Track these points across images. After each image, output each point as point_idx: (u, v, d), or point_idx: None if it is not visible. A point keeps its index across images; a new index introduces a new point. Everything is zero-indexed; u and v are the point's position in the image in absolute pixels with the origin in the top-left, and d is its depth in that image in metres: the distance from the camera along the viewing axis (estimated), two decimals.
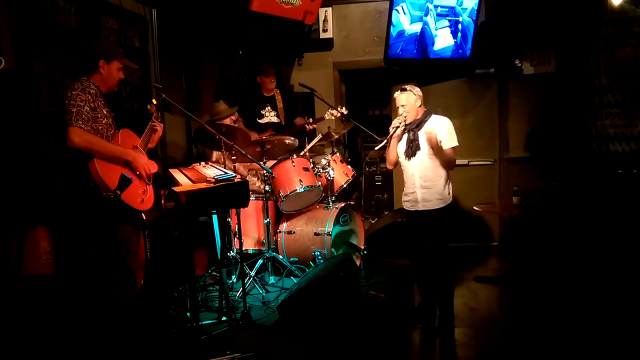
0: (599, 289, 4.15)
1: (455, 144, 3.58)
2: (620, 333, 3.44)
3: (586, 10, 5.34)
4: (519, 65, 5.50)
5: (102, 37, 3.91)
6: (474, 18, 5.28)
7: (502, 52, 5.56)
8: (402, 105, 3.59)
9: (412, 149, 3.58)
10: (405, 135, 3.64)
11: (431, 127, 3.56)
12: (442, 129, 3.55)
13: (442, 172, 3.60)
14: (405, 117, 3.57)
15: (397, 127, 3.57)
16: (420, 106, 3.63)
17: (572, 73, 5.44)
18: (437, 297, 3.72)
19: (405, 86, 3.65)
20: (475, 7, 5.24)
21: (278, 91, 5.11)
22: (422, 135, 3.56)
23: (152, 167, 3.16)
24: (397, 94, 3.64)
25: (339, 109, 4.89)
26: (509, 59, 5.53)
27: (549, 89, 5.54)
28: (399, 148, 3.67)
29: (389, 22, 5.03)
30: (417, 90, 3.63)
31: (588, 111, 5.44)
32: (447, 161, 3.57)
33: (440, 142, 3.52)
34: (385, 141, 3.77)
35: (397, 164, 3.75)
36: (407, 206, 3.72)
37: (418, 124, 3.60)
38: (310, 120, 4.95)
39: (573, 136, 5.45)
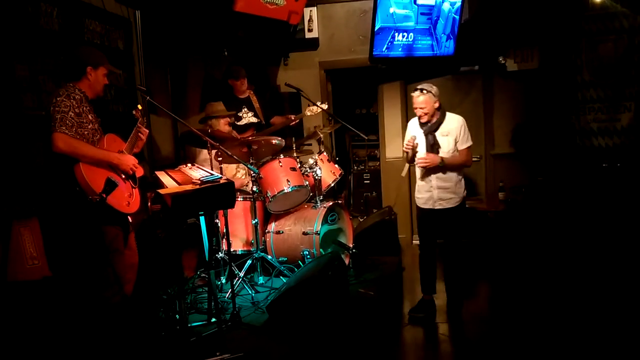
0: (585, 282, 4.21)
1: (470, 143, 3.69)
2: (607, 325, 3.49)
3: (568, 7, 5.41)
4: (503, 62, 5.57)
5: (87, 43, 3.91)
6: (458, 16, 5.33)
7: (486, 50, 5.62)
8: (422, 108, 3.56)
9: (434, 152, 3.61)
10: (424, 138, 3.66)
11: (447, 127, 3.61)
12: (457, 130, 3.62)
13: (457, 172, 3.70)
14: (414, 141, 3.62)
15: (410, 151, 3.62)
16: (438, 107, 3.62)
17: (555, 69, 5.52)
18: (449, 286, 3.83)
19: (424, 87, 3.59)
20: (459, 6, 5.28)
21: (252, 92, 5.11)
22: (439, 137, 3.61)
23: (138, 171, 3.18)
24: (415, 95, 3.59)
25: (318, 104, 4.90)
26: (492, 56, 5.60)
27: (532, 85, 5.61)
28: (418, 149, 3.69)
29: (374, 21, 5.06)
30: (435, 90, 3.59)
31: (571, 106, 5.52)
32: (463, 161, 3.69)
33: (456, 144, 3.64)
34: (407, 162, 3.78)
35: None
36: (420, 203, 3.80)
37: (437, 127, 3.61)
38: (292, 117, 4.95)
39: (557, 131, 5.53)
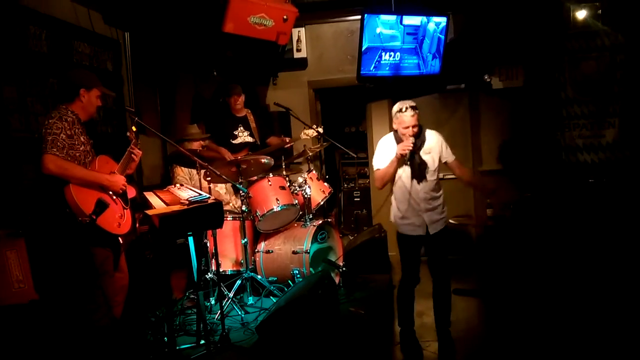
0: (574, 298, 4.22)
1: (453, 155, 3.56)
2: (596, 340, 3.50)
3: (551, 26, 5.54)
4: (488, 80, 5.66)
5: (75, 65, 3.95)
6: (443, 36, 5.42)
7: (472, 68, 5.72)
8: (414, 126, 3.34)
9: (422, 173, 3.39)
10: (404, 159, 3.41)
11: (430, 145, 3.45)
12: (438, 146, 3.46)
13: (441, 190, 3.54)
14: (413, 141, 3.34)
15: (407, 153, 3.35)
16: None
17: (539, 87, 5.61)
18: (439, 304, 3.62)
19: (412, 104, 3.38)
20: (444, 26, 5.38)
21: (249, 111, 5.14)
22: (423, 155, 3.42)
23: (130, 192, 3.19)
24: (408, 114, 3.33)
25: (314, 127, 4.94)
26: (478, 74, 5.69)
27: (518, 102, 5.70)
28: (400, 171, 3.45)
29: (361, 41, 5.13)
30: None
31: (556, 123, 5.60)
32: (462, 171, 3.61)
33: (439, 160, 3.49)
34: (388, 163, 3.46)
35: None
36: (407, 230, 3.51)
37: (420, 145, 3.42)
38: (287, 139, 4.99)
39: (543, 147, 5.59)
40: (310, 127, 4.91)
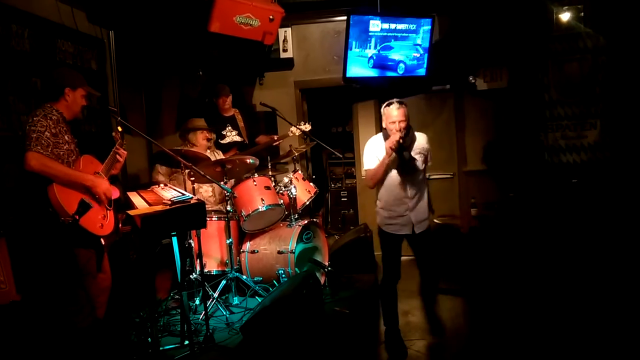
0: (558, 296, 4.28)
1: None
2: (581, 338, 3.55)
3: (535, 28, 5.60)
4: (473, 81, 5.70)
5: (59, 64, 3.93)
6: (429, 37, 5.46)
7: (457, 69, 5.76)
8: (402, 121, 3.36)
9: (411, 170, 3.43)
10: (394, 156, 3.41)
11: (420, 145, 3.50)
12: (427, 149, 3.55)
13: (427, 191, 3.59)
14: (402, 134, 3.34)
15: (396, 147, 3.32)
16: None
17: (523, 88, 5.68)
18: (431, 303, 3.78)
19: (399, 100, 3.42)
20: (429, 27, 5.42)
21: (237, 110, 5.14)
22: (414, 154, 3.45)
23: (114, 193, 3.18)
24: (394, 107, 3.38)
25: (300, 125, 4.95)
26: (463, 75, 5.73)
27: (502, 103, 5.75)
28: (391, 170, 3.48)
29: (347, 43, 5.14)
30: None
31: (539, 124, 5.67)
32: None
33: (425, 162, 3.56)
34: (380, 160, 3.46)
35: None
36: (393, 230, 3.53)
37: (410, 144, 3.45)
38: (276, 137, 5.00)
39: (526, 148, 5.66)
40: (296, 126, 4.94)
